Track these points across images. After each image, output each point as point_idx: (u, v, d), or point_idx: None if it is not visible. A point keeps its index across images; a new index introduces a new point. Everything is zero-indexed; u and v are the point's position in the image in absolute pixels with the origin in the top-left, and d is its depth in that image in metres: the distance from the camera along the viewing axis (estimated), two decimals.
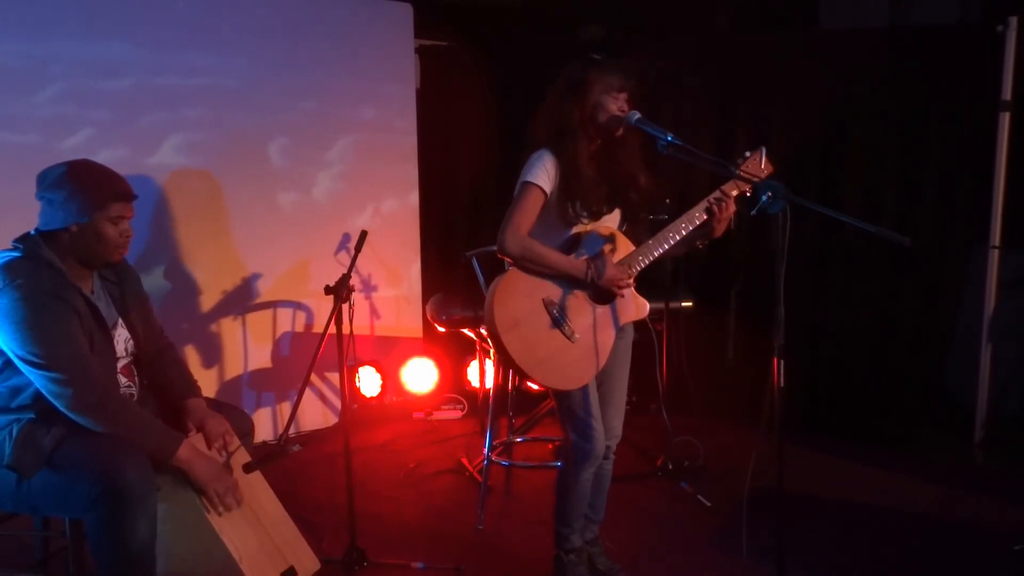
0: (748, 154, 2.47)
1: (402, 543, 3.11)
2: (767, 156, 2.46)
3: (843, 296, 4.26)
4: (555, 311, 2.45)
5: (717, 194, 2.44)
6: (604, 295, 2.49)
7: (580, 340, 2.46)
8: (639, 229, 2.62)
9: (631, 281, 2.49)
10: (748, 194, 2.44)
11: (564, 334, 2.45)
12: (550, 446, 4.06)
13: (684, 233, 2.47)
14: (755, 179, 2.30)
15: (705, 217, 2.46)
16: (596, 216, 2.50)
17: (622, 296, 2.50)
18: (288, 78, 4.12)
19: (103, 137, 3.58)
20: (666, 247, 2.48)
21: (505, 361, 2.43)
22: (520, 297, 2.43)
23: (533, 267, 2.43)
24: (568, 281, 2.45)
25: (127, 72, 3.63)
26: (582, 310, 2.48)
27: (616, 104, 2.42)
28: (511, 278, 2.45)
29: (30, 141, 3.42)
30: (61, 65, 3.49)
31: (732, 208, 2.44)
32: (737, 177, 2.36)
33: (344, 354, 2.76)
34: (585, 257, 2.46)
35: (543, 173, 2.42)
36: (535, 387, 4.38)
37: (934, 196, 4.04)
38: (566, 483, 2.64)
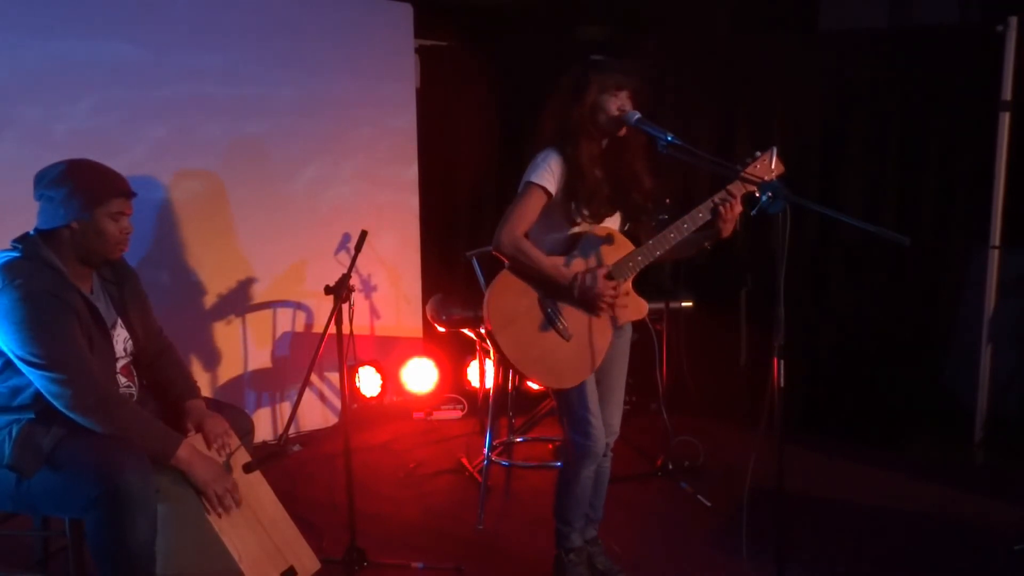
0: (759, 154, 2.43)
1: (402, 543, 3.11)
2: (778, 156, 2.44)
3: (843, 296, 4.27)
4: (550, 310, 2.45)
5: (722, 194, 2.41)
6: (589, 306, 2.47)
7: (575, 339, 2.46)
8: (641, 230, 2.61)
9: (613, 300, 2.46)
10: (757, 194, 2.43)
11: (559, 333, 2.45)
12: (550, 446, 4.06)
13: (686, 233, 2.44)
14: (759, 180, 2.28)
15: (708, 217, 2.44)
16: (597, 218, 2.49)
17: (597, 316, 2.48)
18: (288, 78, 4.11)
19: (95, 140, 3.58)
20: (666, 247, 2.46)
21: (501, 359, 2.44)
22: (516, 295, 2.44)
23: (524, 268, 2.43)
24: (556, 286, 2.44)
25: (129, 74, 3.62)
26: (577, 309, 2.47)
27: (616, 103, 2.41)
28: (507, 276, 2.45)
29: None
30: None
31: (738, 208, 2.42)
32: (741, 179, 2.35)
33: (344, 354, 2.75)
34: (575, 270, 2.44)
35: (548, 173, 2.42)
36: (535, 387, 4.39)
37: (934, 196, 4.04)
38: (566, 481, 2.64)
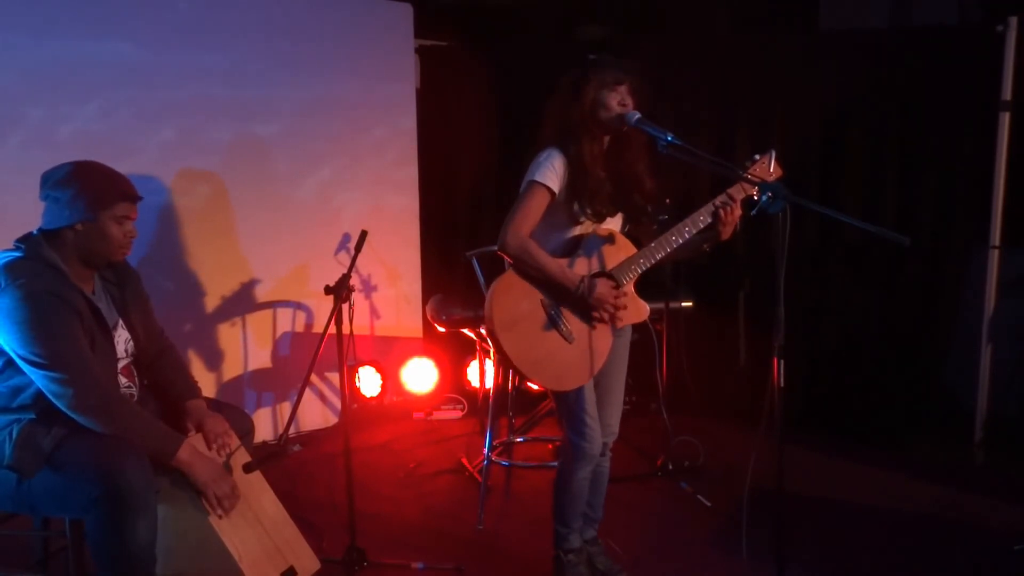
0: (757, 156, 2.44)
1: (402, 543, 3.11)
2: (776, 159, 2.45)
3: (843, 296, 4.27)
4: (553, 312, 2.45)
5: (723, 198, 2.43)
6: (587, 311, 2.47)
7: (577, 341, 2.46)
8: (642, 232, 2.61)
9: (615, 309, 2.46)
10: (756, 197, 2.43)
11: (562, 335, 2.45)
12: (550, 446, 4.06)
13: (687, 236, 2.46)
14: (760, 182, 2.28)
15: (709, 220, 2.45)
16: (599, 218, 2.49)
17: (599, 323, 2.48)
18: (288, 78, 4.11)
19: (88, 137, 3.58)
20: (668, 250, 2.47)
21: (503, 360, 2.44)
22: (519, 297, 2.43)
23: (528, 270, 2.43)
24: (561, 289, 2.44)
25: (132, 75, 3.62)
26: (580, 312, 2.47)
27: (616, 98, 2.40)
28: (510, 277, 2.45)
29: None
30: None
31: (738, 212, 2.43)
32: (743, 179, 2.34)
33: (344, 354, 2.76)
34: (578, 271, 2.44)
35: (551, 172, 2.41)
36: (535, 387, 4.39)
37: (934, 196, 4.04)
38: (563, 481, 2.64)
